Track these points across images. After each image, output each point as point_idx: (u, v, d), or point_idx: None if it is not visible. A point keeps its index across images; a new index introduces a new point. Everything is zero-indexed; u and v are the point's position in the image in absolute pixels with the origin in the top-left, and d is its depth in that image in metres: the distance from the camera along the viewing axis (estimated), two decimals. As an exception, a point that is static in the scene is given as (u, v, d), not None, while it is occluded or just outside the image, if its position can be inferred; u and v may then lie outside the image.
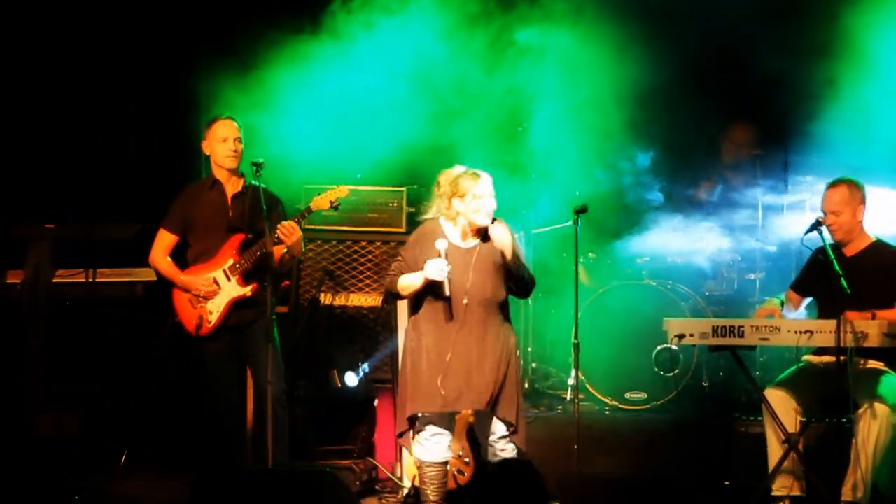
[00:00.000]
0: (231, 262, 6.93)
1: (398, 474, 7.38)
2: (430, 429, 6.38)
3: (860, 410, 6.42)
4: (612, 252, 8.51)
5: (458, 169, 6.44)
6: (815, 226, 6.57)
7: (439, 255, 6.29)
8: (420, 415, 6.37)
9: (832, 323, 6.29)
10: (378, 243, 8.04)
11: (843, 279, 6.36)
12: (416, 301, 6.44)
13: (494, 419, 6.37)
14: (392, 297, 6.67)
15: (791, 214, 8.28)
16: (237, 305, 6.94)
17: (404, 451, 7.16)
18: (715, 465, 7.28)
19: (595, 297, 8.18)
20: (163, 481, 7.45)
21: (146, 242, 7.11)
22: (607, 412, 8.08)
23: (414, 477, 6.92)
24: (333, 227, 7.99)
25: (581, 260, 7.84)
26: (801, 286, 6.97)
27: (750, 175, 8.59)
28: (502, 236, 6.30)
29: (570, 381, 7.94)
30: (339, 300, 7.99)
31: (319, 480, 5.93)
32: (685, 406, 8.04)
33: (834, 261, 6.45)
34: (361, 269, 8.02)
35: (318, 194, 6.98)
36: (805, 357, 6.84)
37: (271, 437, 6.59)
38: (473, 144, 7.84)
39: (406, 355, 6.48)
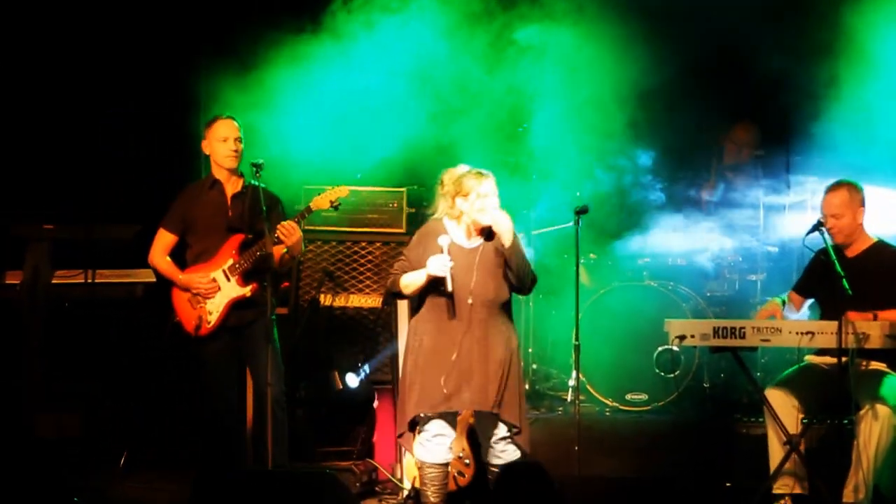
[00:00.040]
0: (230, 262, 6.92)
1: (398, 476, 7.37)
2: (433, 429, 6.35)
3: (862, 412, 6.40)
4: (612, 253, 8.50)
5: (462, 168, 6.42)
6: (817, 227, 6.56)
7: (441, 251, 6.27)
8: (422, 415, 6.35)
9: (833, 324, 6.28)
10: (378, 244, 8.02)
11: (844, 280, 6.34)
12: (419, 301, 6.42)
13: (497, 420, 6.35)
14: (394, 296, 6.65)
15: (793, 215, 8.27)
16: (237, 306, 6.92)
17: (404, 453, 7.15)
18: (716, 466, 7.27)
19: (596, 298, 8.18)
20: (163, 481, 7.43)
21: (145, 243, 7.10)
22: (608, 413, 8.08)
23: (414, 478, 6.90)
24: (333, 228, 7.98)
25: (582, 261, 7.84)
26: (803, 288, 6.95)
27: (751, 175, 8.58)
28: (502, 221, 6.27)
29: (571, 383, 7.93)
30: (339, 301, 7.98)
31: (319, 482, 5.92)
32: (686, 407, 8.03)
33: (835, 262, 6.43)
34: (361, 269, 8.00)
35: (318, 194, 6.96)
36: (807, 357, 6.82)
37: (271, 438, 6.58)
38: (474, 144, 7.83)
39: (408, 355, 6.45)
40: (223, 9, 8.42)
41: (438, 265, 6.23)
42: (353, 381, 7.78)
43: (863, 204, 6.77)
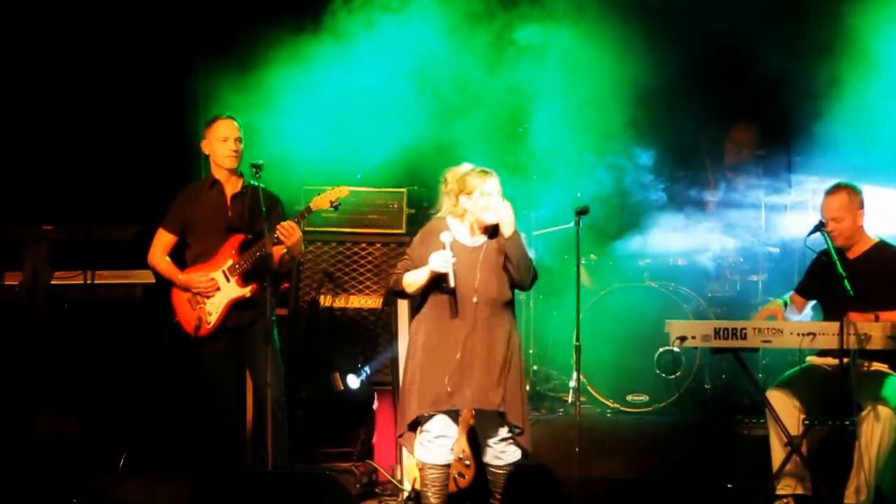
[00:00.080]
0: (230, 262, 6.90)
1: (398, 477, 7.35)
2: (434, 430, 6.32)
3: (863, 413, 6.40)
4: (613, 253, 8.49)
5: (465, 166, 6.40)
6: (818, 227, 6.55)
7: (444, 248, 6.25)
8: (424, 414, 6.32)
9: (835, 325, 6.27)
10: (378, 245, 8.01)
11: (846, 281, 6.33)
12: (422, 299, 6.38)
13: (498, 420, 6.32)
14: (396, 295, 6.61)
15: (794, 215, 8.25)
16: (236, 306, 6.91)
17: (404, 454, 7.13)
18: (717, 467, 7.26)
19: (597, 299, 8.16)
20: (162, 482, 7.42)
21: (145, 244, 7.08)
22: (609, 414, 8.06)
23: (414, 480, 6.89)
24: (333, 229, 7.97)
25: (582, 261, 7.84)
26: (805, 290, 6.94)
27: (752, 175, 8.57)
28: (505, 211, 6.24)
29: (572, 384, 7.91)
30: (339, 302, 7.96)
31: (319, 483, 5.92)
32: (687, 408, 8.02)
33: (837, 262, 6.42)
34: (361, 270, 7.99)
35: (318, 195, 6.95)
36: (808, 358, 6.81)
37: (271, 439, 6.57)
38: (474, 144, 7.82)
39: (410, 355, 6.41)
40: (223, 8, 8.41)
41: (441, 261, 6.21)
42: (353, 382, 7.77)
43: (862, 206, 6.77)
